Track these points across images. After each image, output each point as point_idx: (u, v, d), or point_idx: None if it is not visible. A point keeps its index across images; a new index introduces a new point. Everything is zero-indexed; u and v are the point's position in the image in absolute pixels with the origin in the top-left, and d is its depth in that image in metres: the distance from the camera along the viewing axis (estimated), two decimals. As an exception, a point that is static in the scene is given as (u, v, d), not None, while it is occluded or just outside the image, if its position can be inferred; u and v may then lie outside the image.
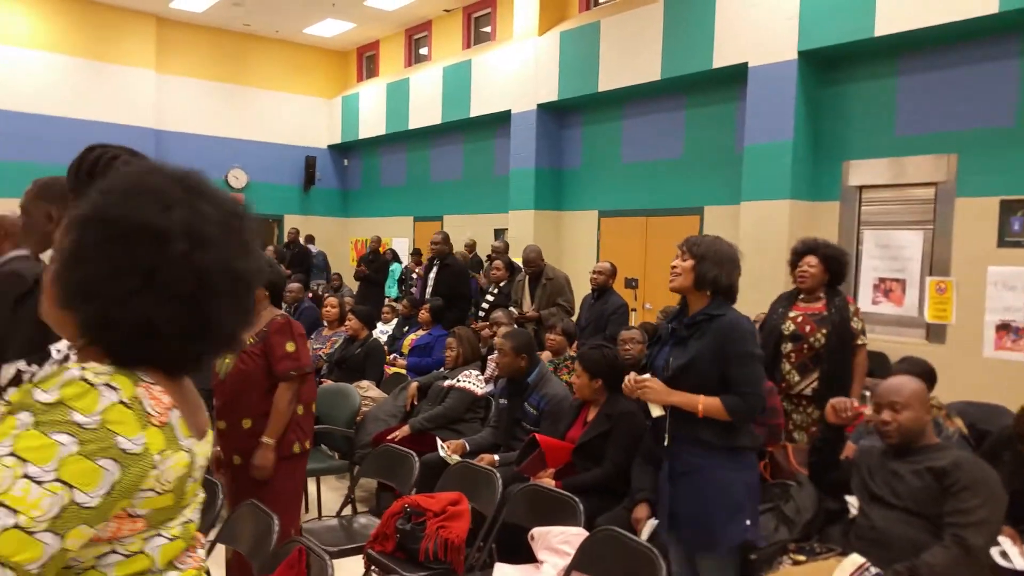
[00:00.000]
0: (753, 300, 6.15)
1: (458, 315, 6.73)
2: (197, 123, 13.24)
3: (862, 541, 2.59)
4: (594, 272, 5.86)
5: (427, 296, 6.74)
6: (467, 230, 11.32)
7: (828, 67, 7.28)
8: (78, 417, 0.89)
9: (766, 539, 2.72)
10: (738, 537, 2.44)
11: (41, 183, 2.17)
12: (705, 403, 2.38)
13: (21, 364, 1.67)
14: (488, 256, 10.02)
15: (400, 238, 13.04)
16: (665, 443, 2.46)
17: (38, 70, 11.64)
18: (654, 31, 8.47)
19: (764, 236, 7.30)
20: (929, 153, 6.63)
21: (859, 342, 3.89)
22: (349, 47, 14.48)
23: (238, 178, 13.60)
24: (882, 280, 7.04)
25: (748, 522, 2.44)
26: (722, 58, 7.82)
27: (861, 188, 7.23)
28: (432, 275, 6.95)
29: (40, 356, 1.50)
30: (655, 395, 2.44)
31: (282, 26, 13.23)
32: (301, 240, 12.38)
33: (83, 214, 0.99)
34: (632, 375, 2.48)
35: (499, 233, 10.99)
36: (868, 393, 3.94)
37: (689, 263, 2.50)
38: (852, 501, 2.91)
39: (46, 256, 2.14)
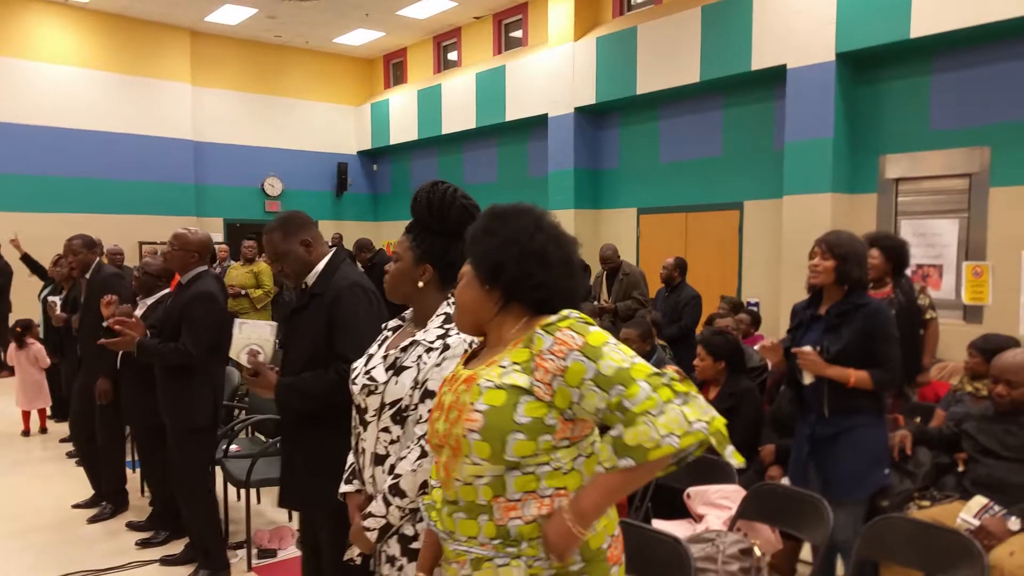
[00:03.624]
0: (798, 287, 6.58)
1: None
2: (233, 134, 13.62)
3: (979, 487, 3.05)
4: (662, 268, 6.32)
5: None
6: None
7: (864, 67, 7.73)
8: None
9: (894, 490, 3.18)
10: (880, 482, 2.92)
11: (284, 225, 2.54)
12: (856, 376, 2.84)
13: None
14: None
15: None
16: (826, 414, 2.90)
17: (80, 87, 11.98)
18: (692, 35, 8.90)
19: (807, 228, 7.73)
20: (963, 146, 7.09)
21: (928, 316, 4.42)
22: (376, 55, 14.88)
23: (273, 186, 14.00)
24: (920, 266, 7.50)
25: (887, 471, 2.91)
26: (761, 60, 8.27)
27: (897, 180, 7.69)
28: None
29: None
30: (813, 366, 2.89)
31: (312, 37, 13.61)
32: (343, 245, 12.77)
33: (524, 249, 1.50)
34: (807, 348, 2.91)
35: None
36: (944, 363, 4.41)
37: (831, 263, 2.91)
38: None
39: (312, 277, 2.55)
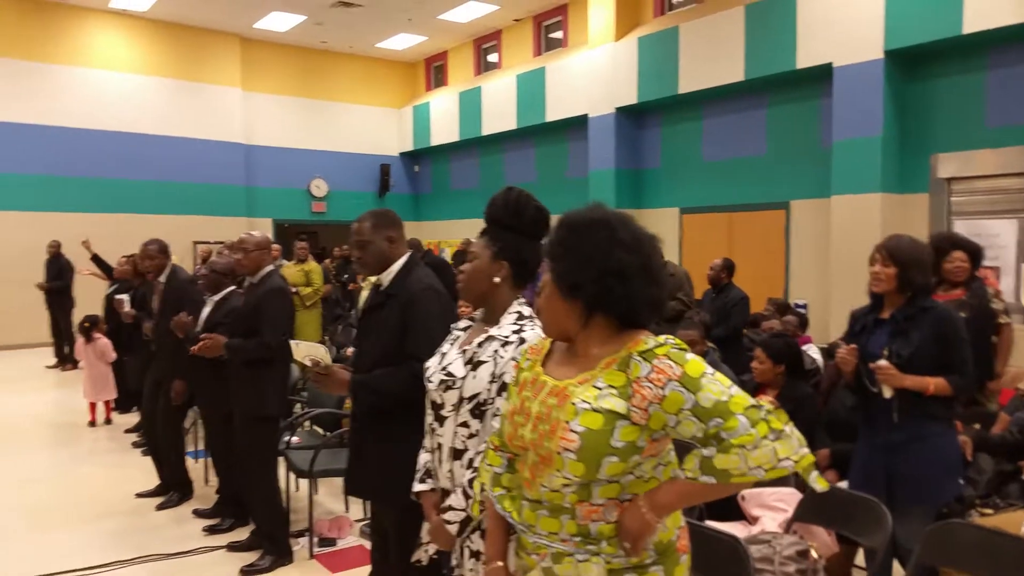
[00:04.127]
0: (847, 289, 6.51)
1: None
2: (281, 137, 13.95)
3: (1044, 494, 3.01)
4: (709, 268, 6.31)
5: None
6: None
7: (915, 64, 7.61)
8: None
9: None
10: (955, 492, 2.86)
11: (376, 217, 2.64)
12: (936, 383, 2.75)
13: None
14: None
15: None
16: (896, 420, 2.81)
17: (137, 92, 12.41)
18: (735, 34, 8.85)
19: (857, 228, 7.65)
20: (1021, 144, 6.92)
21: (1001, 321, 4.21)
22: (417, 58, 15.06)
23: (319, 187, 14.27)
24: (975, 267, 7.34)
25: (961, 480, 2.85)
26: (806, 59, 8.19)
27: (950, 180, 7.54)
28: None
29: None
30: (894, 379, 2.79)
31: (356, 42, 13.83)
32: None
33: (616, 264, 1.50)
34: (884, 363, 2.81)
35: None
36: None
37: (892, 270, 2.83)
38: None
39: (388, 276, 2.62)
